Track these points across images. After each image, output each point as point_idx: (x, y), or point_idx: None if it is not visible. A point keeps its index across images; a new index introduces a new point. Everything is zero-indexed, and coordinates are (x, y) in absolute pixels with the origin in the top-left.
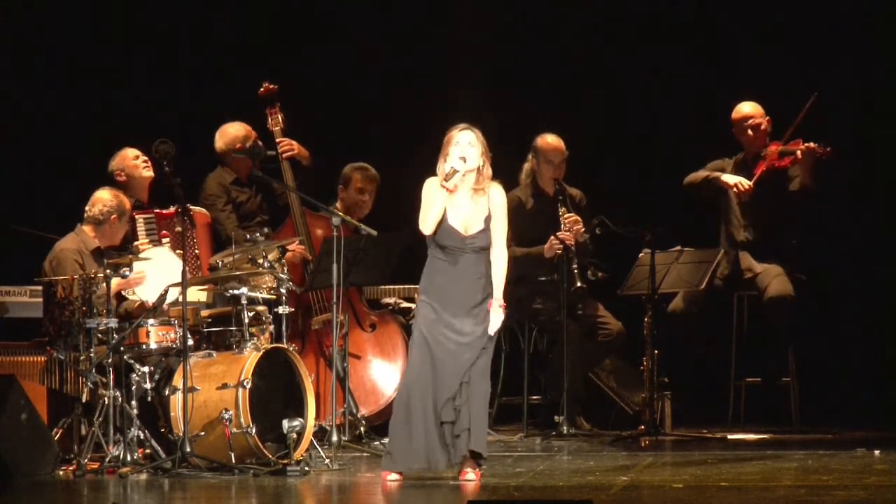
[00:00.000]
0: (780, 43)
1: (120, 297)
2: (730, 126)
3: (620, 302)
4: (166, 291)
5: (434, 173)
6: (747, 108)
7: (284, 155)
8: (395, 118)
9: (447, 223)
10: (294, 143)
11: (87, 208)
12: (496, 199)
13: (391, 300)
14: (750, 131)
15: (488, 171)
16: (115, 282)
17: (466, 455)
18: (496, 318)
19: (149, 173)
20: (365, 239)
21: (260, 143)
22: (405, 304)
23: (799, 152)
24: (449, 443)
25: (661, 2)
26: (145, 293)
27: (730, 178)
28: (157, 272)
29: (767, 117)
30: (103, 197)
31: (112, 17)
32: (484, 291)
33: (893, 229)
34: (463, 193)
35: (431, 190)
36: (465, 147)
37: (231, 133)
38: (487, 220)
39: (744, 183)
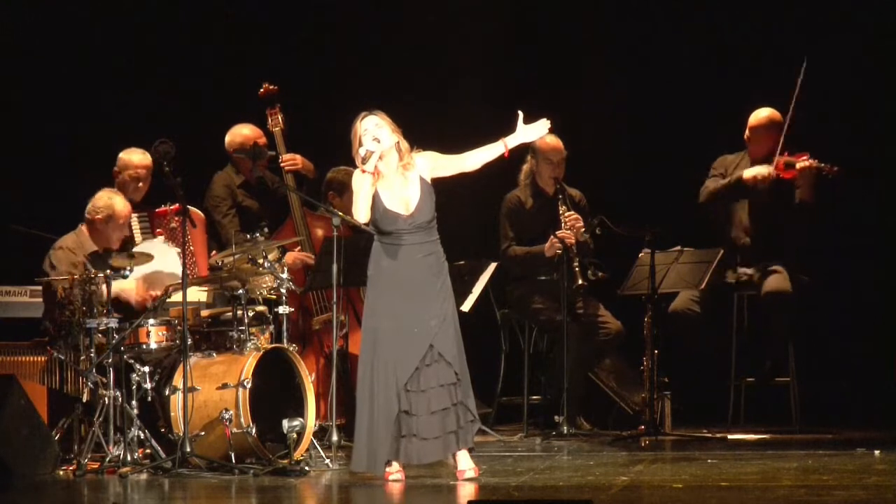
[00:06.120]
0: (781, 42)
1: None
2: (730, 124)
3: (620, 302)
4: (166, 292)
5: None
6: (764, 115)
7: (287, 170)
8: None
9: (386, 209)
10: (298, 157)
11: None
12: (424, 162)
13: None
14: (755, 144)
15: (405, 144)
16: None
17: (462, 451)
18: (533, 129)
19: (132, 195)
20: (365, 239)
21: (261, 145)
22: None
23: (799, 165)
24: (405, 433)
25: (661, 1)
26: (136, 291)
27: (748, 173)
28: (155, 266)
29: (783, 126)
30: (97, 197)
31: (112, 17)
32: (434, 270)
33: (893, 228)
34: (393, 175)
35: (357, 179)
36: (373, 131)
37: (237, 134)
38: (424, 191)
39: (763, 172)
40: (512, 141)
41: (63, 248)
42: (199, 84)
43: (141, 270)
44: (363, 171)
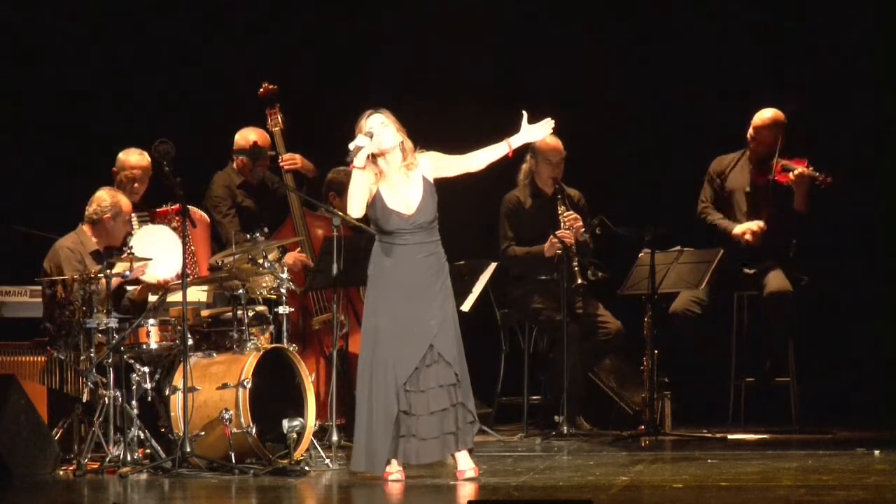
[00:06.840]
0: (779, 42)
1: (122, 291)
2: (730, 124)
3: (620, 302)
4: (166, 291)
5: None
6: (768, 115)
7: (287, 169)
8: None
9: (388, 208)
10: (297, 157)
11: (86, 207)
12: (427, 162)
13: None
14: (758, 143)
15: (409, 143)
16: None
17: (462, 452)
18: (537, 129)
19: (128, 196)
20: (366, 239)
21: (261, 145)
22: None
23: (793, 175)
24: (405, 433)
25: (661, 1)
26: (155, 272)
27: (739, 230)
28: (156, 248)
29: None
30: (100, 196)
31: (112, 16)
32: (435, 270)
33: (893, 228)
34: (395, 175)
35: (352, 174)
36: (378, 129)
37: (243, 137)
38: (426, 191)
39: (753, 228)
40: (516, 141)
41: (67, 247)
42: (199, 84)
43: (152, 253)
44: (352, 168)
